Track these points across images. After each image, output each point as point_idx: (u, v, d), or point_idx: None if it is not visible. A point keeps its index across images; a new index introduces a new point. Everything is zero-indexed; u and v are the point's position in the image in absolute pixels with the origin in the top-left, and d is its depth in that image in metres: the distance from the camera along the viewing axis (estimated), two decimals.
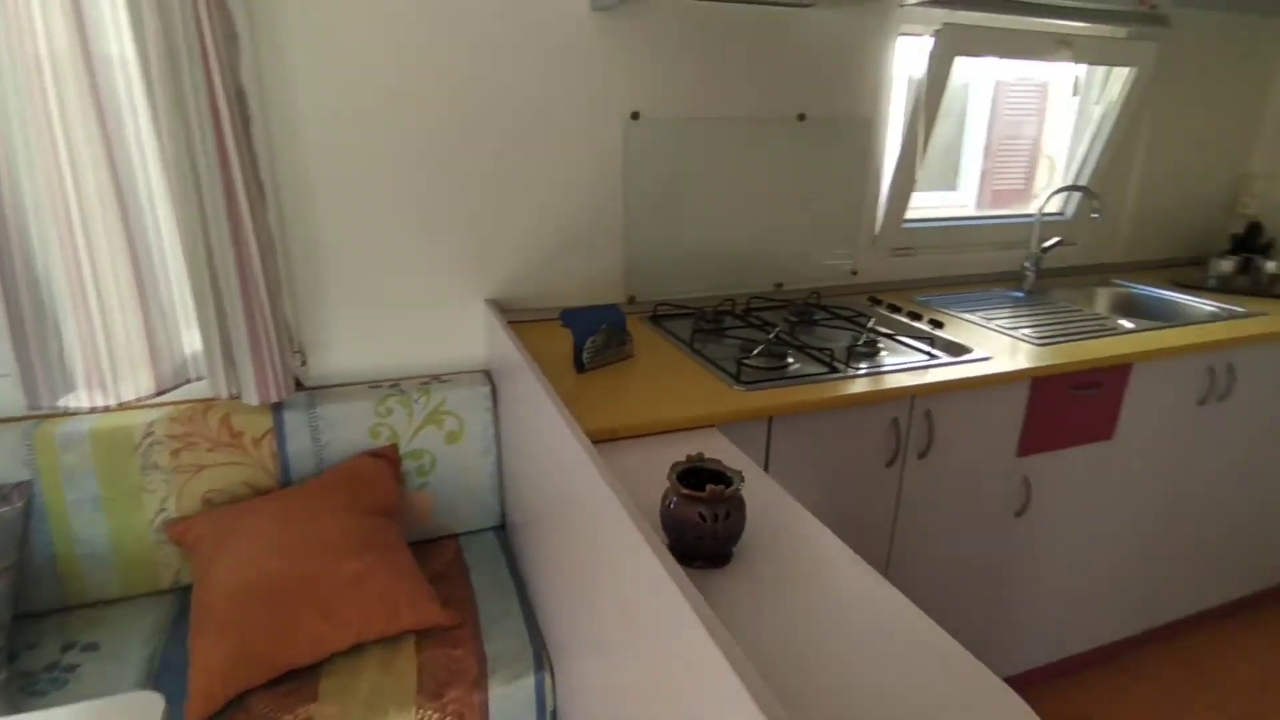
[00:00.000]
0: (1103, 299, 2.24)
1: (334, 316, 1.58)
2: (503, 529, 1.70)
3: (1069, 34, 1.95)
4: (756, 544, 0.93)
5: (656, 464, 1.15)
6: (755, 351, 1.47)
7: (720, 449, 1.19)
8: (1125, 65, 2.08)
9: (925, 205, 2.26)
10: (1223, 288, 2.19)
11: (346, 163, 1.50)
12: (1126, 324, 1.80)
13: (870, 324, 1.70)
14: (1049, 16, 1.89)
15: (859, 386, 1.37)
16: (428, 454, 1.60)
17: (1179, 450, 1.83)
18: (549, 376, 1.42)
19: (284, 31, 1.39)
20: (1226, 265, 2.22)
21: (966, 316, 1.84)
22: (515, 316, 1.74)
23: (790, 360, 1.48)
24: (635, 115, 1.69)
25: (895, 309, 1.84)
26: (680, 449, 1.19)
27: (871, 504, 1.49)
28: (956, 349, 1.59)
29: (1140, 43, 2.05)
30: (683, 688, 0.65)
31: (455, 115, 1.55)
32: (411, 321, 1.64)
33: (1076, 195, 2.29)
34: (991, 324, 1.78)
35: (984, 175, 2.62)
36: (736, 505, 0.84)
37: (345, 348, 1.61)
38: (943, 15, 1.82)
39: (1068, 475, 1.70)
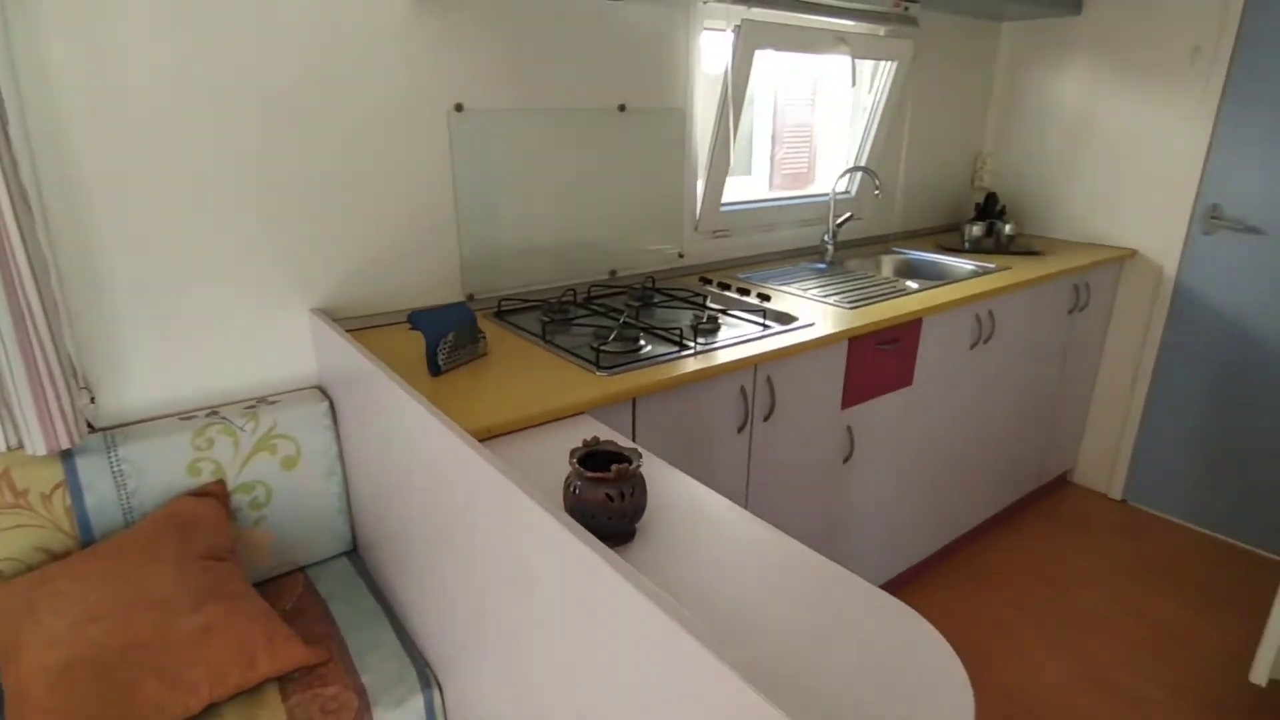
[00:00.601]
0: (888, 265, 2.56)
1: (125, 342, 1.38)
2: (355, 553, 1.59)
3: (845, 31, 2.19)
4: (653, 516, 0.97)
5: (541, 456, 1.14)
6: (611, 337, 1.50)
7: (598, 433, 1.21)
8: (889, 59, 2.38)
9: (729, 190, 2.43)
10: (975, 248, 2.60)
11: (128, 163, 1.30)
12: (912, 285, 2.08)
13: (707, 302, 1.81)
14: (828, 15, 2.11)
15: (709, 361, 1.46)
16: (262, 485, 1.45)
17: (958, 389, 2.15)
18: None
19: (41, 11, 1.17)
20: (976, 230, 2.63)
21: (785, 289, 2.01)
22: (348, 325, 1.62)
23: (643, 343, 1.53)
24: (459, 107, 1.64)
25: (725, 287, 1.97)
26: (559, 438, 1.19)
27: (727, 467, 1.59)
28: (786, 318, 1.74)
29: (899, 40, 2.36)
30: (623, 662, 0.67)
31: (261, 108, 1.40)
32: (224, 339, 1.47)
33: (860, 175, 2.58)
34: (808, 294, 1.97)
35: (774, 161, 2.87)
36: (639, 482, 0.87)
37: (145, 377, 1.41)
38: (740, 11, 1.95)
39: (881, 421, 1.93)
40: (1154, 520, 2.72)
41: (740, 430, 1.58)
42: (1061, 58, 2.73)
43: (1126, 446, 2.78)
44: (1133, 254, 2.65)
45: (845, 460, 1.87)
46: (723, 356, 1.48)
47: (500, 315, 1.74)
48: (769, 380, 1.59)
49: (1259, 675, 1.61)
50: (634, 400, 1.37)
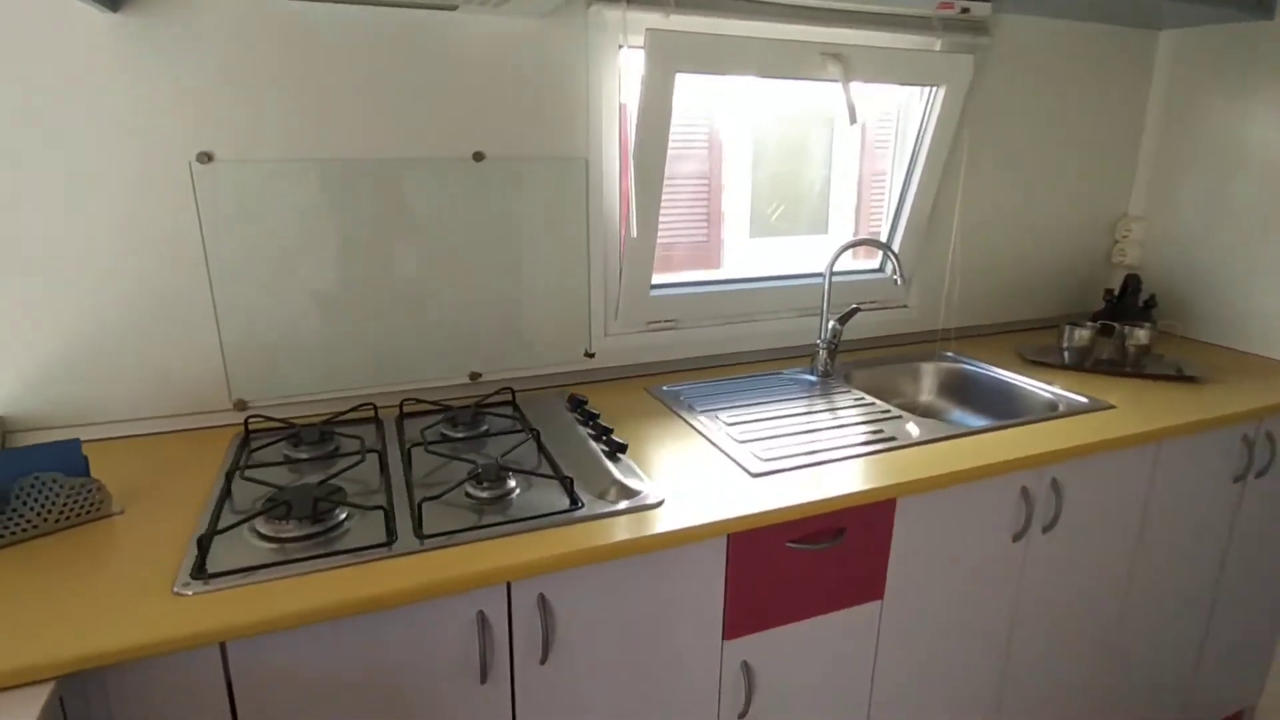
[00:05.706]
0: (928, 379, 1.76)
1: None
2: None
3: (839, 45, 1.49)
4: None
5: None
6: (276, 511, 0.96)
7: None
8: (925, 84, 1.63)
9: (794, 249, 1.76)
10: (1078, 363, 1.71)
11: None
12: (913, 430, 1.32)
13: (504, 455, 1.18)
14: (807, 22, 1.44)
15: (432, 571, 0.88)
16: None
17: (988, 602, 1.34)
18: None
19: None
20: (1083, 334, 1.75)
21: (696, 423, 1.35)
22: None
23: (344, 518, 0.99)
24: (207, 157, 1.22)
25: (590, 417, 1.34)
26: None
27: None
28: (628, 492, 1.09)
29: (950, 55, 1.60)
30: None
31: None
32: None
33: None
34: (718, 435, 1.29)
35: (858, 214, 2.16)
36: None
37: None
38: (644, 19, 1.36)
39: (809, 653, 1.20)
40: None
41: (484, 680, 0.97)
42: (1255, 79, 1.78)
43: None
44: None
45: (742, 717, 1.17)
46: (455, 563, 0.90)
47: (247, 442, 1.27)
48: (541, 600, 0.97)
49: None
50: (223, 645, 0.83)
